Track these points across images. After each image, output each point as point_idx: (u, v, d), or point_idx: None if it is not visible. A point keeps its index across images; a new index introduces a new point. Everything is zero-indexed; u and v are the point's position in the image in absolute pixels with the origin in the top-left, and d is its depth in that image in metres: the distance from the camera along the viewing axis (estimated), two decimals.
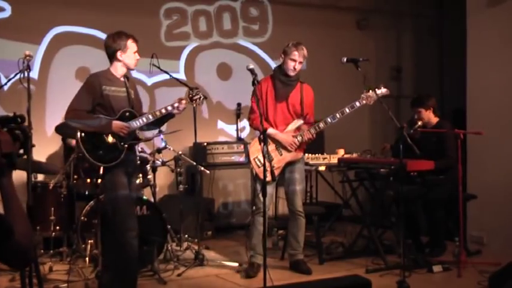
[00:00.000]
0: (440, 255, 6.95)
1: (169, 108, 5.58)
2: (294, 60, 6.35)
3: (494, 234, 7.51)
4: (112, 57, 5.54)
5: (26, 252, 2.41)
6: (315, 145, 8.15)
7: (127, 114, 5.49)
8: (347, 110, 6.30)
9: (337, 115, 6.29)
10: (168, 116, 5.70)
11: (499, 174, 7.47)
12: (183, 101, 5.61)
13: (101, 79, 5.46)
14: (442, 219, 7.08)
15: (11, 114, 2.57)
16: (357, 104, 6.31)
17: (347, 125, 9.59)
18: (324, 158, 7.35)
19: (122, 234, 5.27)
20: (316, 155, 7.37)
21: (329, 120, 6.30)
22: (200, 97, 5.71)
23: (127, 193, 5.38)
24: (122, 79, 5.59)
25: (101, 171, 5.48)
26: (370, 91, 6.29)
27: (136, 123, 5.48)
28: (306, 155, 7.32)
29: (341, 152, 7.46)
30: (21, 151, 2.55)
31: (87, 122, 5.33)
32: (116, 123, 5.38)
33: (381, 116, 9.50)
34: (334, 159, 7.29)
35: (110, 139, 5.38)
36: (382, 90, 6.35)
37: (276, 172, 6.21)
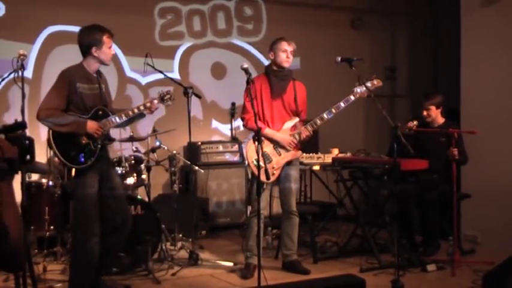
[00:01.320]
0: (433, 254, 6.96)
1: (142, 108, 5.55)
2: (286, 51, 6.39)
3: (488, 233, 7.53)
4: (86, 52, 5.43)
5: (16, 258, 2.41)
6: (310, 144, 8.14)
7: (100, 112, 5.41)
8: (342, 105, 6.32)
9: (333, 110, 6.30)
10: (139, 116, 5.66)
11: (493, 174, 7.49)
12: (155, 101, 5.59)
13: (75, 76, 5.33)
14: (436, 219, 7.09)
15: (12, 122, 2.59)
16: (352, 97, 6.35)
17: (341, 124, 9.61)
18: (318, 158, 7.35)
19: (84, 239, 5.24)
20: (311, 154, 7.36)
21: (325, 115, 6.31)
22: (170, 97, 5.68)
23: (95, 192, 5.34)
24: (95, 75, 5.49)
25: (73, 172, 5.42)
26: (363, 85, 6.30)
27: (110, 123, 5.42)
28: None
29: (335, 151, 7.45)
30: (28, 157, 2.57)
31: (62, 122, 5.21)
32: (91, 125, 5.30)
33: (375, 115, 9.51)
34: (328, 159, 7.29)
35: (83, 140, 5.31)
36: (374, 82, 6.37)
37: (277, 173, 6.25)
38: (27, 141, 2.57)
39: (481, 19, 7.74)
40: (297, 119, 6.45)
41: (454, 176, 6.52)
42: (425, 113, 7.19)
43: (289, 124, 6.42)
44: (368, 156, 7.14)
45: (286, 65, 6.41)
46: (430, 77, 10.59)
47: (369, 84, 6.31)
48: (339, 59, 6.15)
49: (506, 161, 7.40)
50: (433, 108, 7.19)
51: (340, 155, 7.33)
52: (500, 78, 7.54)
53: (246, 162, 6.30)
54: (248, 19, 9.61)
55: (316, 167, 7.44)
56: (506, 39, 7.48)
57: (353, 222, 7.38)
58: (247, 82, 5.61)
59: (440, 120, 7.27)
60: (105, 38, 5.40)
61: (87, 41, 5.39)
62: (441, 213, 7.12)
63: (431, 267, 6.45)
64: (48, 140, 5.22)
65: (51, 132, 5.20)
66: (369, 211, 7.53)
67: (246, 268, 6.43)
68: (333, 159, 7.23)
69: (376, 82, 6.42)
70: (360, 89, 6.33)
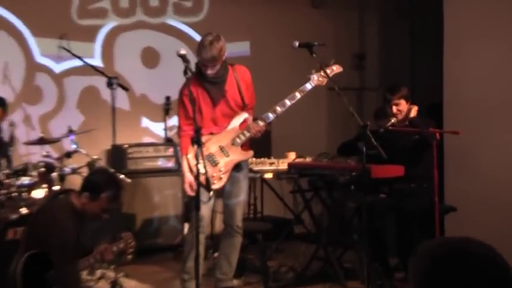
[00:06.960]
0: None
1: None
2: (205, 65, 6.18)
3: None
4: None
5: None
6: (260, 147, 8.09)
7: None
8: (297, 95, 6.35)
9: (287, 102, 6.32)
10: None
11: (482, 182, 7.56)
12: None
13: None
14: (415, 236, 7.11)
15: None
16: (308, 86, 6.38)
17: (299, 123, 9.66)
18: (271, 163, 7.35)
19: None
20: (262, 159, 7.35)
21: (278, 108, 6.31)
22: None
23: None
24: None
25: None
26: (321, 71, 6.33)
27: None
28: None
29: (291, 155, 7.47)
30: None
31: None
32: None
33: (340, 112, 9.54)
34: (283, 165, 7.29)
35: None
36: (333, 68, 6.42)
37: (225, 177, 6.21)
38: None
39: (465, 6, 7.82)
40: (245, 115, 6.41)
41: (436, 184, 6.54)
42: (394, 109, 7.14)
43: (236, 122, 6.37)
44: (331, 162, 7.15)
45: (210, 75, 6.24)
46: (405, 67, 10.65)
47: (328, 70, 6.34)
48: (297, 43, 6.15)
49: (495, 166, 7.47)
50: (402, 102, 7.16)
51: (298, 160, 7.34)
52: (488, 70, 7.63)
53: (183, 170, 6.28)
54: None
55: (269, 175, 7.44)
56: (496, 23, 7.56)
57: (313, 242, 7.39)
58: (185, 72, 5.51)
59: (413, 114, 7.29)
60: None
61: None
62: (421, 229, 7.15)
63: None
64: None
65: None
66: (333, 228, 7.55)
67: None
68: (289, 165, 7.22)
69: (336, 68, 6.45)
70: (317, 76, 6.38)
